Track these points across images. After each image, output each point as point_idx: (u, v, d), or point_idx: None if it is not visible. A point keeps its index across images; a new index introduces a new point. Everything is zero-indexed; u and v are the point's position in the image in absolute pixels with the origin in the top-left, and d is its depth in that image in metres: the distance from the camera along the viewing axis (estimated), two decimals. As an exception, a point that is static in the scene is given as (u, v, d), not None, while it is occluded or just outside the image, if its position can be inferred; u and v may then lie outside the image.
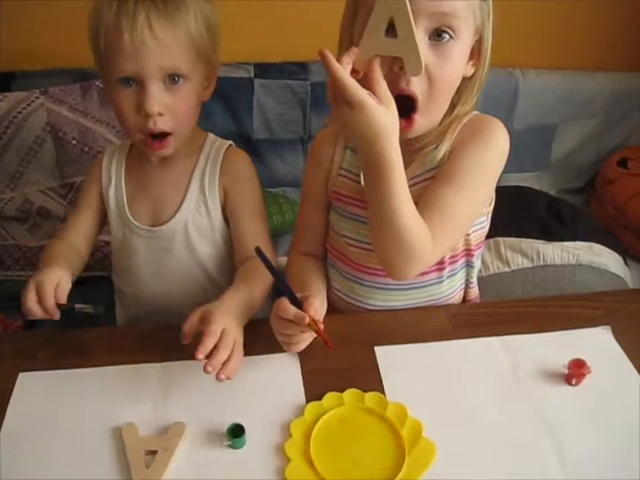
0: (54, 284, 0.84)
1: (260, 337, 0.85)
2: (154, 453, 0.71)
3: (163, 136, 0.92)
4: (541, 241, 1.37)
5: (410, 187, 0.77)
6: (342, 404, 0.78)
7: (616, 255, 1.41)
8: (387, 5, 0.68)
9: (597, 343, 0.89)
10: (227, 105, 1.72)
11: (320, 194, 0.99)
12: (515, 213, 1.45)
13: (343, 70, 0.68)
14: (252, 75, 1.72)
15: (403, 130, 0.76)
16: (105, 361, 0.85)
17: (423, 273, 0.92)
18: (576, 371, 0.82)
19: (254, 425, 0.74)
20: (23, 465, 0.73)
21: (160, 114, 0.88)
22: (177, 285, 1.05)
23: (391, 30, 0.70)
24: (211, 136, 1.05)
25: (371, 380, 0.81)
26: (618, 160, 1.86)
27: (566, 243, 1.37)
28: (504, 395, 0.81)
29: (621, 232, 1.74)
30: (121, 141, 1.09)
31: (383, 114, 0.69)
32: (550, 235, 1.39)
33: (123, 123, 0.93)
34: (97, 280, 1.06)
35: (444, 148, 0.85)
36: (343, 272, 0.99)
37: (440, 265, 0.94)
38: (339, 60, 0.69)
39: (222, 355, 0.74)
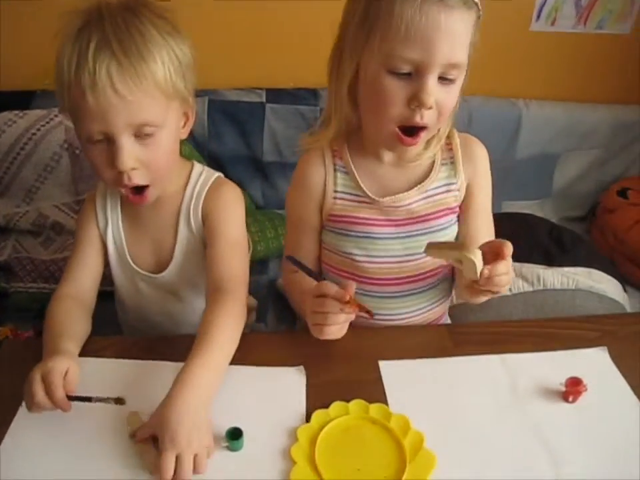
0: (62, 373, 0.77)
1: (268, 349, 0.90)
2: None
3: (141, 188, 0.89)
4: (542, 266, 1.40)
5: (429, 197, 0.97)
6: (347, 413, 0.81)
7: (615, 281, 1.44)
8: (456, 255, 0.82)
9: (593, 363, 0.92)
10: (239, 128, 1.77)
11: (313, 220, 1.02)
12: (517, 239, 1.47)
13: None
14: (264, 99, 1.77)
15: (407, 147, 0.90)
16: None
17: (428, 277, 1.01)
18: (573, 389, 0.85)
19: (256, 430, 0.78)
20: (35, 446, 0.77)
21: (134, 168, 0.84)
22: (185, 317, 1.06)
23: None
24: (197, 167, 1.00)
25: (374, 392, 0.84)
26: (618, 190, 1.91)
27: (566, 269, 1.40)
28: (502, 411, 0.83)
29: (621, 260, 1.78)
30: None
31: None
32: (550, 260, 1.43)
33: (99, 176, 0.88)
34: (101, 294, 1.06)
35: (459, 172, 0.99)
36: (360, 290, 1.01)
37: (437, 270, 1.02)
38: None
39: (186, 476, 0.70)
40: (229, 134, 1.77)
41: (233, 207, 0.98)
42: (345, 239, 1.00)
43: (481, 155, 1.01)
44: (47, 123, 1.62)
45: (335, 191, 0.99)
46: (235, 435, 0.76)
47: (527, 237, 1.53)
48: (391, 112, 0.85)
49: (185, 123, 0.93)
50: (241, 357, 0.85)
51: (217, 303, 0.87)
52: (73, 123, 0.87)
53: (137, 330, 1.11)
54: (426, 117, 0.85)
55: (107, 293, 1.08)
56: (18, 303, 1.55)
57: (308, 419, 0.80)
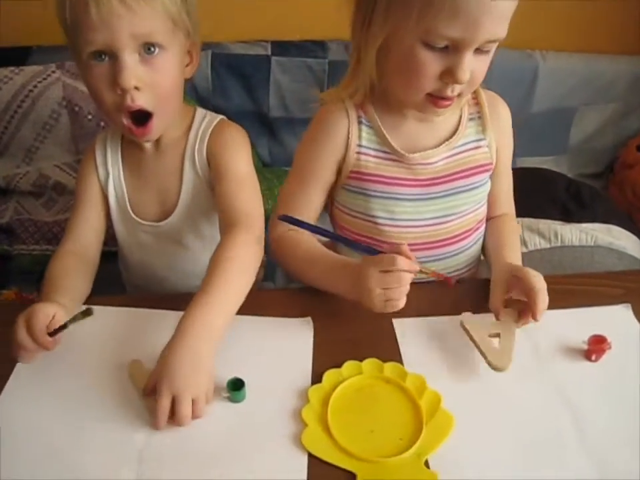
0: (46, 315, 0.75)
1: (276, 306, 0.87)
2: None
3: (144, 118, 0.85)
4: (559, 222, 1.35)
5: (458, 154, 0.93)
6: (361, 373, 0.77)
7: (634, 237, 1.39)
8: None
9: (616, 320, 0.88)
10: (244, 83, 1.71)
11: (328, 174, 0.95)
12: (533, 194, 1.44)
13: None
14: (269, 52, 1.70)
15: (438, 109, 0.86)
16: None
17: (457, 241, 0.98)
18: (596, 347, 0.81)
19: (260, 382, 0.76)
20: (32, 400, 0.75)
21: (137, 88, 0.81)
22: (192, 270, 1.01)
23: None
24: (200, 111, 0.97)
25: (389, 351, 0.81)
26: (638, 144, 1.84)
27: (584, 225, 1.35)
28: (523, 370, 0.80)
29: (640, 217, 1.73)
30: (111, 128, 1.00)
31: None
32: (568, 216, 1.38)
33: (100, 104, 0.85)
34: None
35: (488, 128, 0.95)
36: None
37: (466, 234, 0.99)
38: None
39: (183, 422, 0.68)
40: (234, 89, 1.71)
41: (238, 144, 0.93)
42: (367, 200, 0.93)
43: (506, 115, 0.98)
44: (44, 79, 1.56)
45: (359, 145, 0.92)
46: (236, 385, 0.73)
47: (544, 192, 1.47)
48: (422, 84, 0.81)
49: (188, 63, 0.90)
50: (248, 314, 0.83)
51: (228, 236, 0.83)
52: (72, 44, 0.82)
53: (142, 289, 1.07)
54: (457, 89, 0.82)
55: (111, 253, 1.05)
56: (21, 265, 1.53)
57: (317, 376, 0.77)
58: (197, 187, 0.95)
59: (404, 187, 0.92)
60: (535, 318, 0.81)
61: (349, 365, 0.78)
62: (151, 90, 0.82)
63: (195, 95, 1.67)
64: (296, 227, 0.94)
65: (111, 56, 0.80)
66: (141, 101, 0.82)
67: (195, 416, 0.69)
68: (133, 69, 0.80)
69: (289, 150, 1.81)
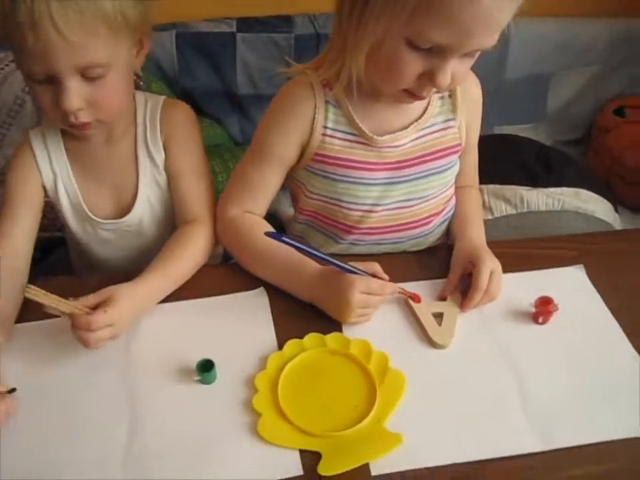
0: None
1: (229, 280, 0.89)
2: None
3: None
4: (525, 187, 1.33)
5: (426, 135, 0.90)
6: (303, 350, 0.77)
7: (604, 200, 1.37)
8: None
9: (568, 282, 0.88)
10: (210, 61, 1.67)
11: (289, 155, 0.90)
12: (501, 161, 1.41)
13: None
14: (234, 29, 1.67)
15: (413, 102, 0.84)
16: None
17: (424, 224, 0.96)
18: (542, 309, 0.80)
19: (229, 360, 0.76)
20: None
21: (81, 108, 0.79)
22: (149, 257, 0.96)
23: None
24: (139, 94, 0.93)
25: (329, 323, 0.81)
26: (615, 108, 1.81)
27: (551, 189, 1.33)
28: (468, 333, 0.80)
29: (617, 182, 1.70)
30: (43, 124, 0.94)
31: None
32: (535, 181, 1.35)
33: (43, 113, 0.84)
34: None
35: (458, 109, 0.92)
36: (338, 238, 0.96)
37: (432, 217, 0.97)
38: None
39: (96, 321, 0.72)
40: (201, 68, 1.67)
41: (193, 132, 0.94)
42: (331, 183, 0.90)
43: (477, 95, 0.95)
44: (7, 65, 1.54)
45: (325, 127, 0.87)
46: (206, 367, 0.73)
47: (512, 158, 1.44)
48: (400, 82, 0.78)
49: (138, 51, 0.86)
50: (206, 290, 0.87)
51: (186, 230, 0.91)
52: (13, 53, 0.79)
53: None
54: (434, 90, 0.80)
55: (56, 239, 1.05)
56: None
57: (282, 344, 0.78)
58: (154, 176, 0.93)
59: (371, 171, 0.89)
60: (461, 308, 0.84)
61: (290, 345, 0.78)
62: (95, 107, 0.81)
63: (162, 77, 1.65)
64: (252, 210, 0.94)
65: (53, 79, 0.77)
66: (84, 118, 0.81)
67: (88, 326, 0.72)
68: (77, 92, 0.78)
69: (261, 127, 1.78)
